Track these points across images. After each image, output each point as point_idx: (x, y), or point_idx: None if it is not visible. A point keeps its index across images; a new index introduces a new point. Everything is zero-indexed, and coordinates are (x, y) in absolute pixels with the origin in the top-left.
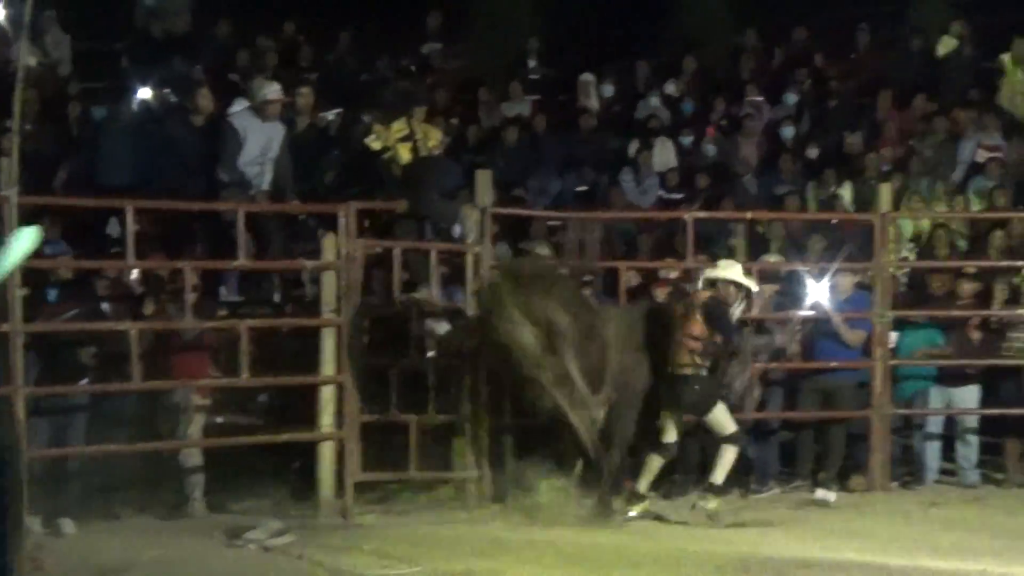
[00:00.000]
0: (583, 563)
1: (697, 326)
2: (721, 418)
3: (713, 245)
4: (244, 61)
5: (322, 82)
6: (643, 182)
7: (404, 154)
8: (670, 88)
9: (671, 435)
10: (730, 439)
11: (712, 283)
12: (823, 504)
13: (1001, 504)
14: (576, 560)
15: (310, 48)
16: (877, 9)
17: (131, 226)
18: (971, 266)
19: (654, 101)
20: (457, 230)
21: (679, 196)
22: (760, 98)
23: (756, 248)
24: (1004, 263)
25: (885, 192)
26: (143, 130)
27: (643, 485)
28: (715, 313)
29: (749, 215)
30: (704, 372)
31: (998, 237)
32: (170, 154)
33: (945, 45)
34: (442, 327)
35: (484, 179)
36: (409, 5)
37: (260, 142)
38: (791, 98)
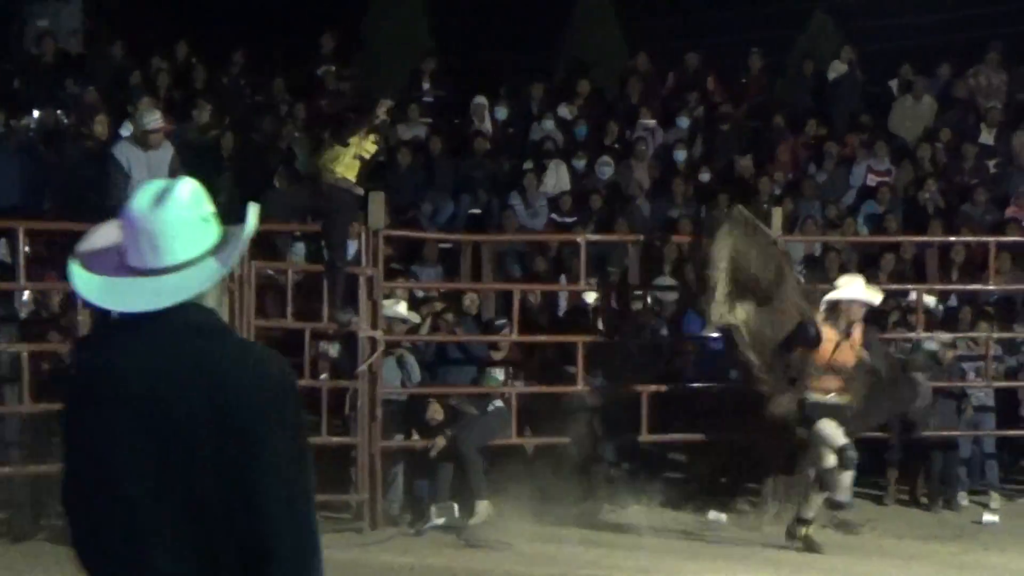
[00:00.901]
0: None
1: (849, 353)
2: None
3: (606, 266)
4: (137, 81)
5: (215, 103)
6: (533, 205)
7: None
8: (563, 111)
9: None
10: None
11: (834, 305)
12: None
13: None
14: None
15: (203, 69)
16: (768, 34)
17: (22, 247)
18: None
19: (548, 124)
20: (351, 251)
21: (572, 219)
22: (652, 121)
23: (649, 271)
24: (895, 286)
25: (777, 215)
26: (35, 152)
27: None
28: (871, 340)
29: (642, 237)
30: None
31: (888, 260)
32: (63, 177)
33: (835, 70)
34: (335, 350)
35: (377, 201)
36: (303, 26)
37: (144, 172)
38: (683, 122)
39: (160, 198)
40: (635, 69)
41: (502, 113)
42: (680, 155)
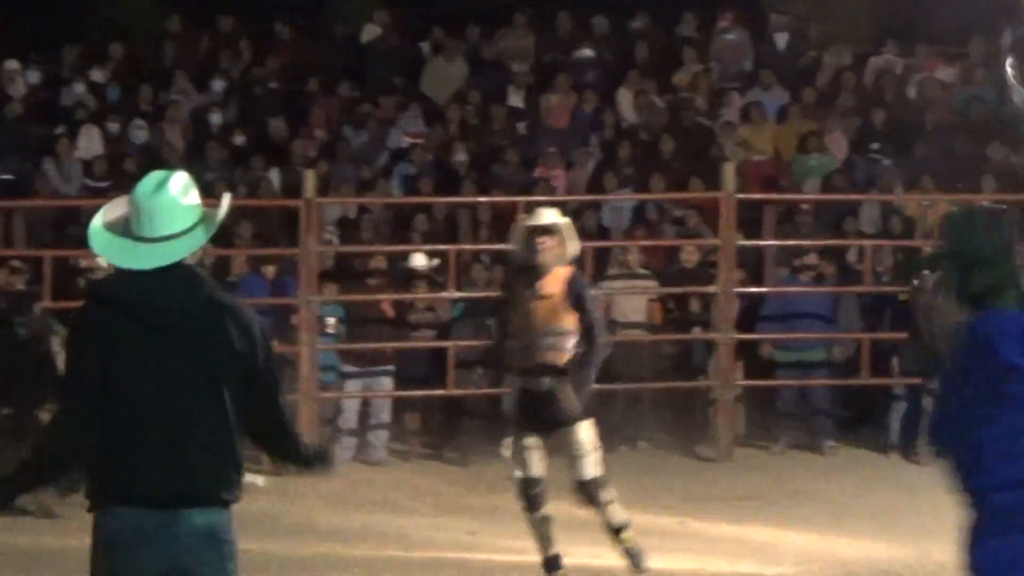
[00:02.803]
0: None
1: None
2: None
3: None
4: None
5: None
6: (66, 170)
7: None
8: (96, 75)
9: None
10: None
11: None
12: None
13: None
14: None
15: None
16: None
17: None
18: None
19: (80, 88)
20: None
21: (105, 184)
22: (187, 85)
23: None
24: (427, 247)
25: (310, 178)
26: None
27: None
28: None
29: None
30: None
31: (421, 221)
32: None
33: (369, 33)
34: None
35: None
36: None
37: None
38: (218, 85)
39: (158, 187)
40: (168, 32)
41: (34, 77)
42: (215, 118)
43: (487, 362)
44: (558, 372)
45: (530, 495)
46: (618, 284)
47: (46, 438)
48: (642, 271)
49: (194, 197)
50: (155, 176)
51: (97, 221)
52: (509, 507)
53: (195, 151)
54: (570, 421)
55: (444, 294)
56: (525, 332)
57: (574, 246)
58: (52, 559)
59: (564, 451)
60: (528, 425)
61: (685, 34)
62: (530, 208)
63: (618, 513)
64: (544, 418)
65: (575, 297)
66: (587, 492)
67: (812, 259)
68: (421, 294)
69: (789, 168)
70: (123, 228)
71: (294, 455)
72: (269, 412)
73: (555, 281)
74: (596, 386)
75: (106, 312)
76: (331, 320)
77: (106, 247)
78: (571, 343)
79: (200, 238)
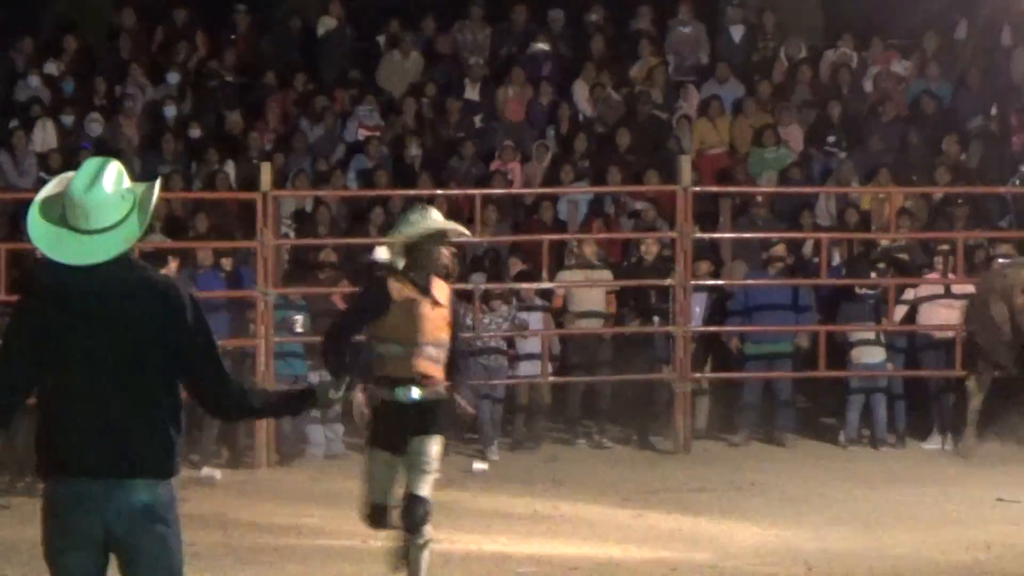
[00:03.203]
0: None
1: None
2: None
3: None
4: None
5: None
6: (22, 163)
7: None
8: (51, 68)
9: None
10: None
11: None
12: (209, 482)
13: None
14: None
15: None
16: None
17: None
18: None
19: (34, 81)
20: None
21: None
22: (142, 78)
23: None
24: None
25: (266, 171)
26: None
27: None
28: None
29: None
30: None
31: (378, 214)
32: None
33: (324, 25)
34: None
35: None
36: None
37: None
38: (173, 78)
39: (92, 182)
40: (123, 25)
41: None
42: (170, 111)
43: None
44: (431, 384)
45: (379, 520)
46: (575, 275)
47: None
48: (598, 262)
49: (126, 183)
50: (89, 169)
51: (34, 211)
52: (466, 502)
53: (151, 144)
54: (429, 431)
55: None
56: (408, 338)
57: None
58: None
59: (409, 459)
60: (387, 441)
61: (641, 27)
62: (486, 202)
63: (424, 559)
64: (407, 431)
65: (454, 312)
66: (413, 509)
67: (780, 250)
68: None
69: (745, 161)
70: (59, 213)
71: (248, 408)
72: (206, 368)
73: (441, 291)
74: (553, 378)
75: (37, 299)
76: (298, 318)
77: (43, 238)
78: (444, 357)
79: (134, 227)
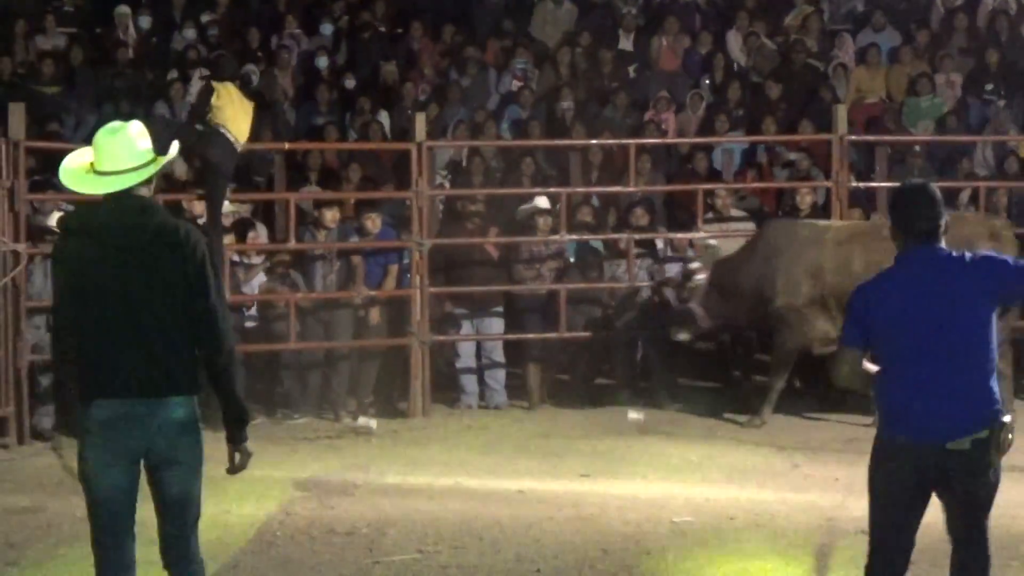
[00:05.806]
0: None
1: None
2: None
3: (253, 175)
4: None
5: None
6: (178, 114)
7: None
8: (206, 19)
9: None
10: None
11: None
12: (366, 431)
13: (534, 427)
14: None
15: None
16: None
17: None
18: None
19: (190, 33)
20: None
21: None
22: (297, 29)
23: (295, 180)
24: (539, 189)
25: (420, 121)
26: None
27: None
28: None
29: (287, 145)
30: None
31: (529, 164)
32: None
33: None
34: None
35: (17, 112)
36: None
37: None
38: (327, 29)
39: (116, 130)
40: None
41: (145, 22)
42: (323, 62)
43: None
44: None
45: None
46: (713, 228)
47: (51, 347)
48: (738, 213)
49: (147, 144)
50: (115, 124)
51: (65, 163)
52: (622, 450)
53: (304, 95)
54: None
55: (556, 236)
56: None
57: None
58: None
59: None
60: None
61: None
62: (640, 152)
63: None
64: None
65: None
66: None
67: None
68: (540, 236)
69: (899, 110)
70: (87, 168)
71: (211, 372)
72: (197, 301)
73: None
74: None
75: (74, 239)
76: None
77: (71, 179)
78: None
79: (150, 171)
